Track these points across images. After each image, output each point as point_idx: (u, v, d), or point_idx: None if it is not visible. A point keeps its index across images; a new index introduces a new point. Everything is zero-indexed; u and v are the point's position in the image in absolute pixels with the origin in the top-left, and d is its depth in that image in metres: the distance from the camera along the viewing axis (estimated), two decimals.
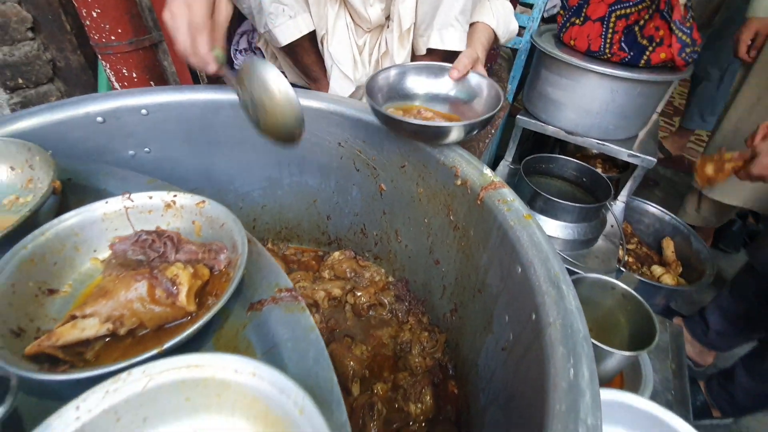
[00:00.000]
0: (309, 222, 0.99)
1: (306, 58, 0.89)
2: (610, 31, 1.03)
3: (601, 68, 1.02)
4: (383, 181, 0.81)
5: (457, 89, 0.72)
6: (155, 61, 1.05)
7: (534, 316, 0.44)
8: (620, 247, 1.14)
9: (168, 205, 0.42)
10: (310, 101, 0.78)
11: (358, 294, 0.90)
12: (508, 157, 1.39)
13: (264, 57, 1.04)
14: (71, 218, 0.39)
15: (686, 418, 0.53)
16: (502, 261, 0.55)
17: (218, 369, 0.28)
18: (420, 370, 0.78)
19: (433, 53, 0.84)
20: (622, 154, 1.15)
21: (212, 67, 0.57)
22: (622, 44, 1.03)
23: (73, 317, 0.32)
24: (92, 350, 0.33)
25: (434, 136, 0.64)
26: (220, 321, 0.37)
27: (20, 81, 1.04)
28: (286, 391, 0.27)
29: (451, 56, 0.86)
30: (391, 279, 0.96)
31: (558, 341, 0.39)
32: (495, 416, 0.53)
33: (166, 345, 0.30)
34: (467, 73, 0.70)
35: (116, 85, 1.02)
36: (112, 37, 0.94)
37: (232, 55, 1.11)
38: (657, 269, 1.20)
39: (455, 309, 0.76)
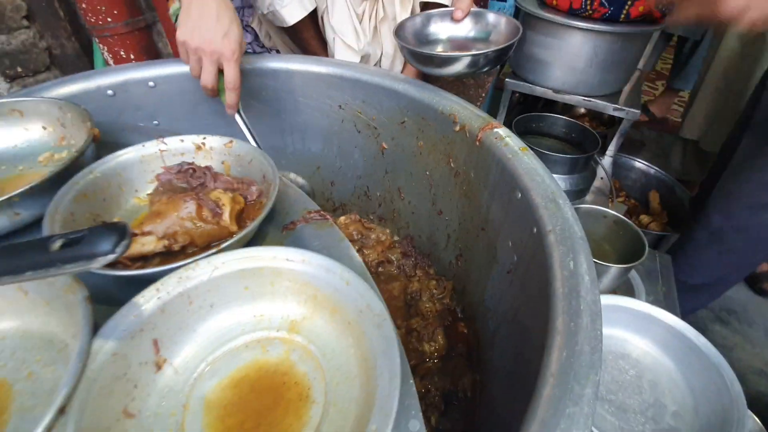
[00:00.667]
0: (313, 190, 1.03)
1: (305, 33, 0.92)
2: None
3: (584, 24, 1.07)
4: (384, 140, 0.85)
5: (476, 29, 0.77)
6: (151, 42, 1.07)
7: (535, 230, 0.49)
8: (610, 198, 1.20)
9: (198, 147, 0.46)
10: (309, 65, 0.81)
11: (366, 252, 0.95)
12: (500, 118, 1.43)
13: (258, 35, 1.06)
14: (113, 159, 0.43)
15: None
16: (502, 192, 0.59)
17: (272, 259, 0.32)
18: (430, 314, 0.83)
19: (427, 7, 0.87)
20: (608, 108, 1.20)
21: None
22: (603, 0, 1.07)
23: (134, 235, 0.36)
24: (152, 264, 0.37)
25: (459, 64, 0.68)
26: (258, 241, 0.41)
27: (19, 70, 1.06)
28: (332, 270, 0.32)
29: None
30: (396, 238, 1.00)
31: (558, 242, 0.44)
32: (504, 334, 0.59)
33: (219, 247, 0.35)
34: (468, 10, 0.75)
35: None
36: (108, 19, 0.96)
37: None
38: (645, 218, 1.27)
39: (460, 255, 0.81)
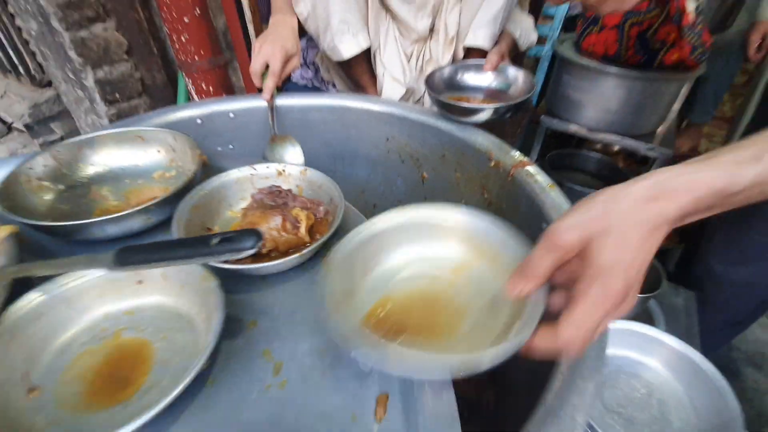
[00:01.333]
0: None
1: (358, 68, 1.05)
2: (625, 37, 1.15)
3: (618, 70, 1.14)
4: (425, 170, 0.95)
5: (498, 81, 0.88)
6: (227, 77, 1.24)
7: None
8: None
9: (279, 173, 0.58)
10: (364, 104, 0.93)
11: None
12: (533, 155, 1.51)
13: (320, 70, 1.21)
14: (217, 180, 0.55)
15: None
16: (531, 223, 0.67)
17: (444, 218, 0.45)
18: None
19: (470, 54, 0.98)
20: (641, 148, 1.25)
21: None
22: (637, 48, 1.15)
23: None
24: (245, 263, 0.48)
25: (478, 115, 0.79)
26: (324, 251, 0.51)
27: (117, 95, 1.25)
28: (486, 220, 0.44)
29: (482, 55, 1.01)
30: None
31: None
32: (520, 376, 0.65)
33: (300, 253, 0.45)
34: (497, 65, 0.85)
35: (195, 97, 1.22)
36: (196, 58, 1.14)
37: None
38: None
39: None
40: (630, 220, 0.31)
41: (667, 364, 0.56)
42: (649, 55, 1.14)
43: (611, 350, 0.60)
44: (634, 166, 1.45)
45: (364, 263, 0.43)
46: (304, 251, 0.46)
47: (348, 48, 0.96)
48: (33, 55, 1.49)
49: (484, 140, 0.79)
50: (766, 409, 1.16)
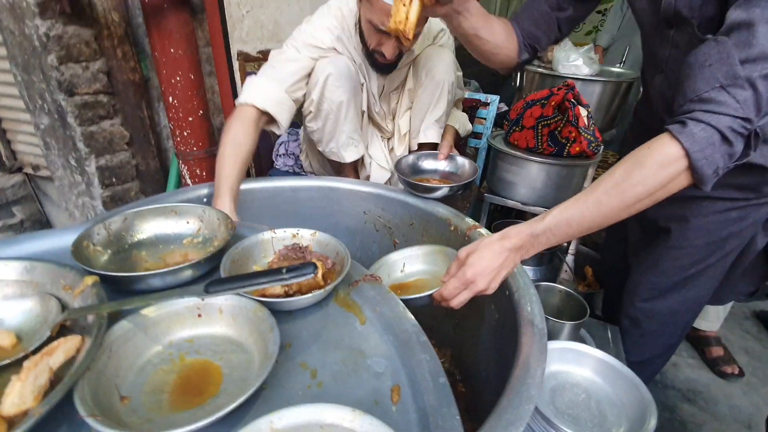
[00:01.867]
0: None
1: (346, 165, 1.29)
2: (539, 135, 1.51)
3: (538, 158, 1.47)
4: (396, 237, 1.14)
5: (450, 166, 1.15)
6: None
7: (507, 292, 0.75)
8: (575, 281, 1.48)
9: (294, 235, 0.74)
10: (346, 185, 1.14)
11: None
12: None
13: (299, 157, 1.44)
14: (247, 242, 0.70)
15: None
16: None
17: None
18: None
19: (423, 146, 1.26)
20: None
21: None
22: (549, 143, 1.50)
23: None
24: (281, 296, 0.61)
25: (437, 192, 1.04)
26: (334, 294, 0.67)
27: (113, 180, 1.38)
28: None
29: (433, 147, 1.30)
30: None
31: (522, 298, 0.70)
32: (492, 371, 0.80)
33: (312, 293, 0.60)
34: (448, 154, 1.13)
35: (189, 181, 1.37)
36: (194, 148, 1.32)
37: (274, 158, 1.50)
38: (581, 287, 1.54)
39: (457, 324, 1.05)
40: (486, 246, 0.68)
41: (597, 372, 0.73)
42: (559, 147, 1.49)
43: (556, 366, 0.77)
44: None
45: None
46: (322, 291, 0.61)
47: (352, 155, 1.22)
48: (8, 143, 1.61)
49: (444, 211, 1.01)
50: None
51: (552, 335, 0.86)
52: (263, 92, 1.02)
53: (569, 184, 1.53)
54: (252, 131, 1.01)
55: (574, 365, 0.75)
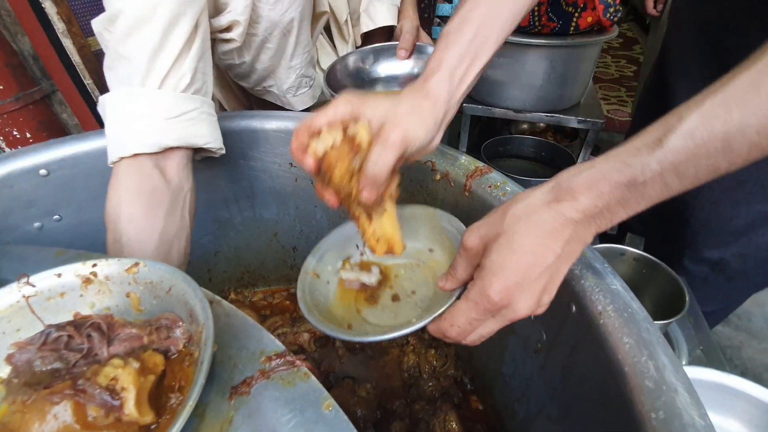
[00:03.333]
0: (273, 259, 0.88)
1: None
2: (536, 4, 1.03)
3: (536, 41, 1.02)
4: None
5: (419, 66, 0.69)
6: (51, 116, 0.89)
7: (574, 308, 0.37)
8: None
9: (87, 280, 0.31)
10: (247, 122, 0.68)
11: None
12: (462, 148, 1.36)
13: None
14: None
15: (722, 367, 0.49)
16: None
17: None
18: (436, 394, 0.69)
19: (373, 36, 0.78)
20: (572, 121, 1.15)
21: None
22: (550, 15, 1.03)
23: None
24: None
25: None
26: (195, 423, 0.26)
27: None
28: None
29: (387, 36, 0.82)
30: None
31: (617, 331, 0.33)
32: (546, 430, 0.46)
33: None
34: (413, 47, 0.67)
35: (7, 150, 0.85)
36: None
37: None
38: None
39: None
40: (523, 222, 0.31)
41: (744, 420, 0.40)
42: (564, 20, 1.03)
43: None
44: (565, 141, 1.38)
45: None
46: None
47: (305, 101, 0.75)
48: None
49: None
50: (746, 365, 1.13)
51: None
52: (151, 122, 0.47)
53: (579, 73, 1.11)
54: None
55: (715, 412, 0.41)
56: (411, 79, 0.71)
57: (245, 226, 0.81)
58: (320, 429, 0.25)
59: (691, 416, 0.26)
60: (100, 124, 0.94)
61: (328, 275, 0.47)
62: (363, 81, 0.71)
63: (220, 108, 0.92)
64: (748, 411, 0.39)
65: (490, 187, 0.50)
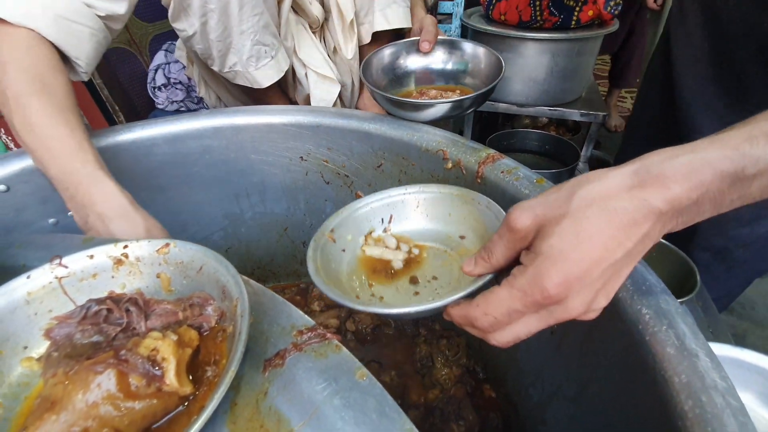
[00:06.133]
0: (283, 255, 0.88)
1: (270, 91, 0.79)
2: (536, 0, 1.05)
3: (539, 34, 1.03)
4: (359, 188, 0.73)
5: (452, 60, 0.70)
6: None
7: None
8: None
9: (118, 261, 0.32)
10: (258, 117, 0.68)
11: (358, 319, 0.81)
12: None
13: (196, 87, 0.93)
14: None
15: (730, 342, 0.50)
16: None
17: None
18: (449, 383, 0.70)
19: (379, 37, 0.79)
20: (574, 115, 1.16)
21: None
22: (551, 9, 1.05)
23: None
24: None
25: (443, 109, 0.60)
26: (229, 396, 0.27)
27: None
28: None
29: (395, 36, 0.82)
30: None
31: (636, 303, 0.33)
32: (563, 411, 0.46)
33: None
34: (435, 41, 0.68)
35: (15, 149, 0.86)
36: None
37: (151, 94, 0.98)
38: None
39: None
40: (596, 206, 0.26)
41: (761, 393, 0.40)
42: (566, 14, 1.05)
43: None
44: (567, 135, 1.39)
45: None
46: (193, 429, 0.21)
47: (268, 75, 0.72)
48: None
49: (431, 136, 0.59)
50: None
51: None
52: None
53: (581, 66, 1.12)
54: (47, 58, 0.51)
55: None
56: (445, 73, 0.72)
57: (256, 221, 0.82)
58: (355, 396, 0.26)
59: (713, 378, 0.27)
60: (110, 122, 0.95)
61: (345, 243, 0.44)
62: (396, 74, 0.71)
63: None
64: (762, 384, 0.39)
65: (503, 172, 0.50)
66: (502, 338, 0.31)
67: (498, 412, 0.67)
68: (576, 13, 1.05)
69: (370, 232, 0.46)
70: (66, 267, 0.30)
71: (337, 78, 0.80)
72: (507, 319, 0.30)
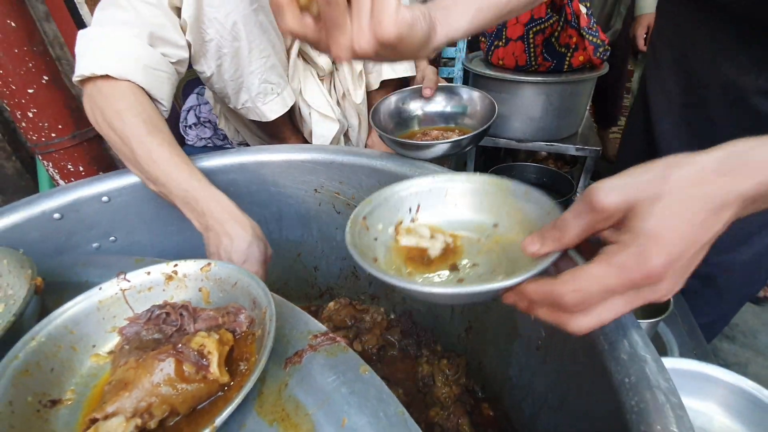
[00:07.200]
0: (296, 278, 0.95)
1: (277, 120, 0.89)
2: (531, 46, 1.15)
3: (534, 78, 1.12)
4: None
5: (451, 104, 0.78)
6: (102, 152, 1.00)
7: None
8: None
9: (169, 277, 0.39)
10: (279, 155, 0.77)
11: (364, 339, 0.86)
12: None
13: (217, 130, 1.04)
14: (62, 315, 0.35)
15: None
16: None
17: None
18: (449, 401, 0.74)
19: (386, 84, 0.88)
20: (570, 149, 1.24)
21: None
22: (545, 55, 1.15)
23: (94, 420, 0.27)
24: None
25: (441, 148, 0.69)
26: (257, 386, 0.33)
27: None
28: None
29: (401, 83, 0.92)
30: (393, 316, 0.93)
31: None
32: (550, 421, 0.51)
33: (218, 419, 0.27)
34: (436, 87, 0.77)
35: (61, 183, 0.96)
36: (53, 135, 0.90)
37: (183, 132, 1.09)
38: None
39: (470, 327, 0.75)
40: (693, 189, 0.27)
41: (720, 403, 0.45)
42: (558, 59, 1.14)
43: None
44: (565, 168, 1.46)
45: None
46: (224, 413, 0.27)
47: (274, 109, 0.82)
48: None
49: (430, 173, 0.67)
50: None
51: None
52: (114, 51, 0.60)
53: (575, 105, 1.21)
54: (148, 102, 0.63)
55: (695, 398, 0.46)
56: (445, 116, 0.82)
57: (272, 247, 0.89)
58: (359, 386, 0.32)
59: (657, 379, 0.33)
60: None
61: (376, 232, 0.43)
62: (402, 118, 0.81)
63: (245, 144, 1.03)
64: (726, 396, 0.44)
65: None
66: (584, 323, 0.30)
67: (496, 429, 0.70)
68: (568, 59, 1.15)
69: (400, 222, 0.45)
70: (129, 281, 0.38)
71: (337, 118, 0.89)
72: (598, 298, 0.29)
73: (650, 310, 0.61)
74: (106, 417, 0.27)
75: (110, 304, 0.37)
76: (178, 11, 0.65)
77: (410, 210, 0.45)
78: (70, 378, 0.34)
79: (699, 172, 0.27)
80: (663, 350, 0.61)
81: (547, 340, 0.50)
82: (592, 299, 0.28)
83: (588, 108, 1.46)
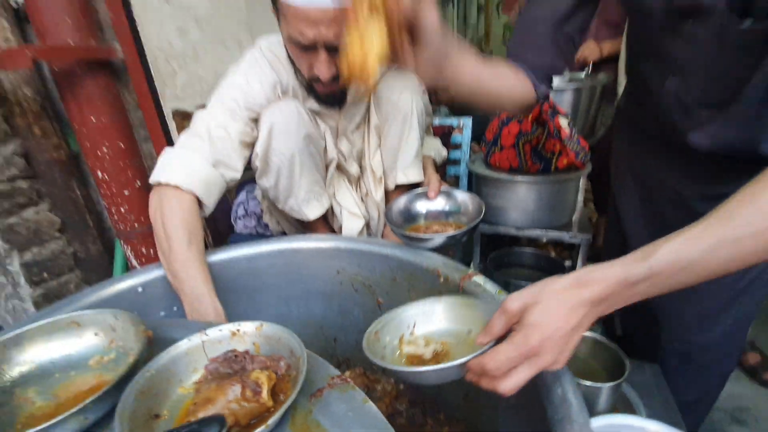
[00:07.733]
0: (317, 348, 1.08)
1: (316, 222, 1.11)
2: (522, 152, 1.38)
3: (525, 178, 1.33)
4: (380, 295, 0.96)
5: (449, 204, 0.98)
6: None
7: None
8: None
9: (234, 333, 0.55)
10: (311, 243, 0.97)
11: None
12: (475, 259, 1.61)
13: (262, 217, 1.27)
14: (165, 356, 0.51)
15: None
16: None
17: None
18: None
19: (400, 187, 1.10)
20: (564, 236, 1.39)
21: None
22: (533, 159, 1.37)
23: (190, 422, 0.42)
24: None
25: (438, 241, 0.87)
26: (290, 412, 0.48)
27: (44, 275, 1.18)
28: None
29: (411, 187, 1.14)
30: (402, 387, 1.03)
31: (546, 373, 0.52)
32: None
33: (265, 424, 0.41)
34: (439, 190, 0.97)
35: (134, 262, 1.18)
36: (135, 225, 1.14)
37: (233, 222, 1.33)
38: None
39: (466, 394, 0.85)
40: (555, 297, 0.44)
41: None
42: (545, 162, 1.36)
43: None
44: (565, 252, 1.59)
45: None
46: (270, 422, 0.42)
47: (314, 212, 1.05)
48: None
49: (430, 260, 0.84)
50: None
51: (588, 402, 0.67)
52: (186, 168, 0.84)
53: (564, 200, 1.39)
54: (196, 213, 0.85)
55: None
56: (444, 214, 1.01)
57: (299, 319, 1.05)
58: (361, 412, 0.46)
59: (577, 416, 0.45)
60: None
61: (385, 342, 0.61)
62: (410, 215, 1.01)
63: (284, 233, 1.25)
64: None
65: (475, 286, 0.73)
66: (507, 384, 0.44)
67: None
68: (553, 162, 1.36)
69: (402, 336, 0.63)
70: (207, 336, 0.55)
71: (363, 215, 1.11)
72: (508, 365, 0.44)
73: (611, 375, 0.71)
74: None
75: (194, 352, 0.54)
76: (246, 144, 0.91)
77: (408, 327, 0.64)
78: (166, 402, 0.49)
79: (562, 286, 0.44)
80: (631, 410, 0.70)
81: (518, 397, 0.61)
82: (504, 366, 0.44)
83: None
